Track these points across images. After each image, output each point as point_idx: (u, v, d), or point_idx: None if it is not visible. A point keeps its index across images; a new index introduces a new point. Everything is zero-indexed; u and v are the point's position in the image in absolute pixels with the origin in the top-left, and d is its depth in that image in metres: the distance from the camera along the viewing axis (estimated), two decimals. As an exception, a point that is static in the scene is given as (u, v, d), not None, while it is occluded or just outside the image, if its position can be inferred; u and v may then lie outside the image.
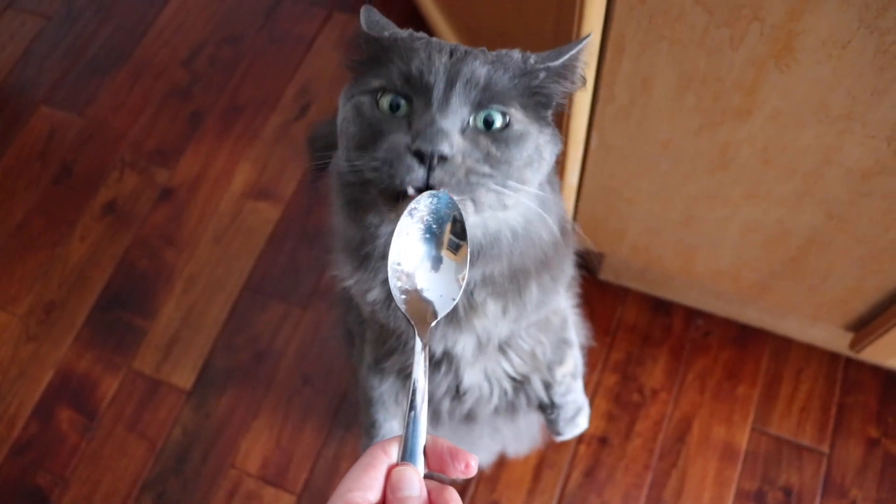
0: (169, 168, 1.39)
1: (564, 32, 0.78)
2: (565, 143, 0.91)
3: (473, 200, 0.57)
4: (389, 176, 0.55)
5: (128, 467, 1.17)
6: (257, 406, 1.20)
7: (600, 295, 1.24)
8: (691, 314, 1.23)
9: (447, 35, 1.31)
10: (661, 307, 1.24)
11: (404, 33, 0.62)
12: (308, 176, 1.36)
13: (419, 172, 0.54)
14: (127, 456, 1.17)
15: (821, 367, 1.18)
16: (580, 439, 1.16)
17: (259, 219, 1.33)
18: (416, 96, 0.57)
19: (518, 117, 0.59)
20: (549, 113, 0.64)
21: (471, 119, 0.57)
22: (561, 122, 0.90)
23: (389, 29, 0.63)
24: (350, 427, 1.18)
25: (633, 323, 1.23)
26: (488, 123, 0.58)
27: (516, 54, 0.61)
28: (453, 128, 0.55)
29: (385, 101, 0.58)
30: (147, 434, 1.19)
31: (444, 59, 0.58)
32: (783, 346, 1.20)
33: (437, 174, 0.54)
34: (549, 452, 1.15)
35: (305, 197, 1.34)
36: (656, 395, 1.18)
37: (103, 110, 1.46)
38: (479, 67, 0.57)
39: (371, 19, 0.64)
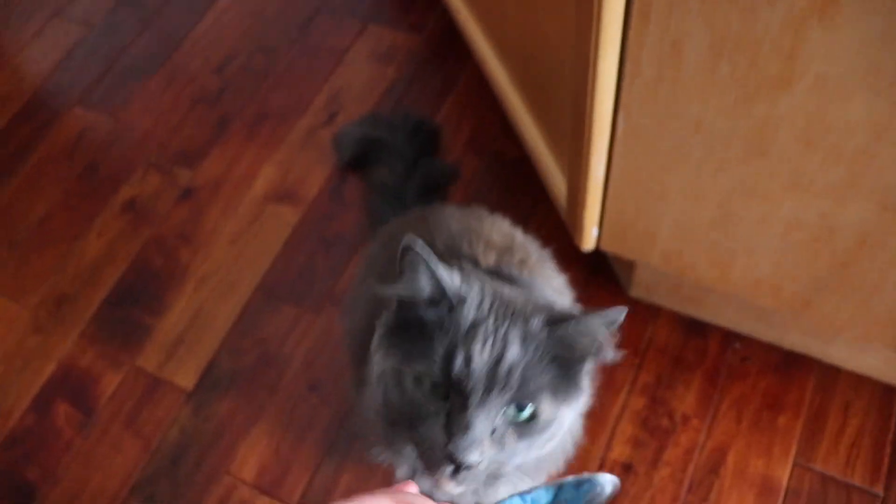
0: (192, 169, 1.37)
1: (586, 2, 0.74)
2: (589, 130, 0.86)
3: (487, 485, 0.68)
4: (423, 454, 0.63)
5: (120, 466, 1.11)
6: (259, 412, 1.13)
7: (630, 313, 1.15)
8: (728, 337, 1.14)
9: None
10: (695, 328, 1.14)
11: (445, 301, 0.62)
12: (334, 180, 1.33)
13: (448, 468, 0.61)
14: (121, 454, 1.12)
15: (872, 400, 1.07)
16: (602, 465, 1.06)
17: (278, 221, 1.29)
18: (454, 393, 0.60)
19: (546, 407, 0.62)
20: (583, 371, 0.65)
21: (501, 412, 0.61)
22: (582, 137, 0.85)
23: (431, 277, 0.62)
24: (355, 440, 1.10)
25: (664, 344, 1.14)
26: (518, 410, 0.61)
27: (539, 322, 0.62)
28: (485, 433, 0.60)
29: (426, 383, 0.62)
30: (143, 433, 1.13)
31: (486, 355, 0.60)
32: (830, 375, 1.10)
33: (462, 475, 0.61)
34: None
35: (328, 201, 1.30)
36: (688, 422, 1.08)
37: (134, 113, 1.46)
38: (515, 362, 0.60)
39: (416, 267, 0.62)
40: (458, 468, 0.60)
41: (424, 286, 0.62)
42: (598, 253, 1.17)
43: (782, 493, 1.03)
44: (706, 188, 0.84)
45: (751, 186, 0.81)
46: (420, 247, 0.60)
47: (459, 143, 1.35)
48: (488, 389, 0.59)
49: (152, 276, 1.27)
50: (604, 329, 0.61)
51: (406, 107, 1.40)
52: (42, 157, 1.42)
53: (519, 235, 0.91)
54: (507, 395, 0.60)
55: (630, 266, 1.12)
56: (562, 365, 0.62)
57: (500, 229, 0.90)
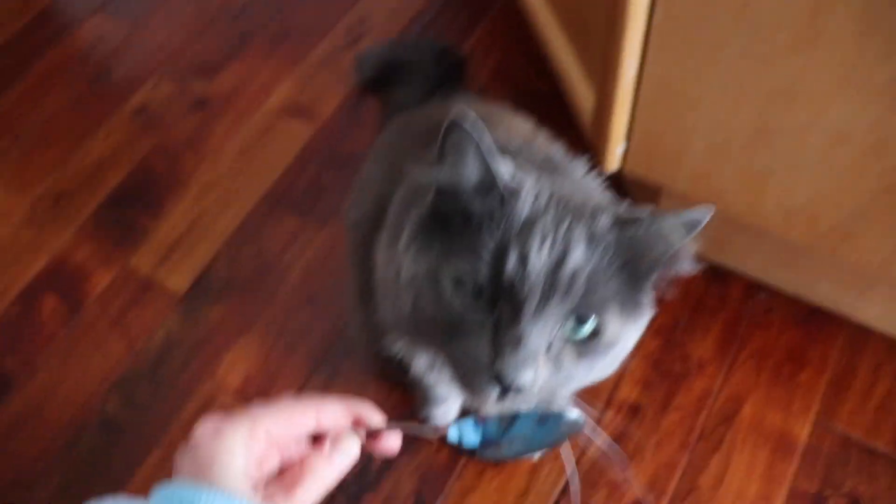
0: (207, 80, 1.32)
1: None
2: (623, 22, 0.80)
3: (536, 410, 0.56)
4: (461, 377, 0.54)
5: (101, 364, 1.06)
6: (251, 320, 1.08)
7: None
8: (752, 287, 1.06)
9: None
10: (718, 275, 1.08)
11: (495, 192, 0.53)
12: (352, 99, 1.27)
13: (493, 393, 0.53)
14: (102, 352, 1.07)
15: (906, 364, 1.00)
16: (608, 404, 0.99)
17: (290, 136, 1.24)
18: (504, 300, 0.51)
19: (612, 322, 0.54)
20: (651, 283, 0.57)
21: (560, 325, 0.53)
22: (615, 32, 0.78)
23: (483, 164, 0.52)
24: (349, 354, 1.04)
25: (685, 287, 1.06)
26: (579, 324, 0.53)
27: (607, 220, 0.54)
28: (540, 349, 0.52)
29: (469, 288, 0.53)
30: (129, 333, 1.08)
31: (545, 255, 0.51)
32: (860, 335, 1.02)
33: (510, 398, 0.53)
34: (570, 416, 0.99)
35: (344, 120, 1.25)
36: (703, 368, 1.01)
37: (155, 24, 1.42)
38: (580, 267, 0.51)
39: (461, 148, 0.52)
40: (506, 390, 0.52)
41: (471, 172, 0.53)
42: (620, 189, 1.11)
43: (800, 450, 0.96)
44: (746, 89, 0.78)
45: (795, 86, 0.74)
46: (471, 124, 0.51)
47: (485, 74, 1.29)
48: (546, 296, 0.51)
49: (155, 180, 1.22)
50: (683, 233, 0.52)
51: (433, 35, 1.34)
52: (57, 59, 1.38)
53: (543, 136, 0.84)
54: (568, 305, 0.51)
55: (653, 199, 1.05)
56: (630, 274, 0.54)
57: (524, 123, 0.84)
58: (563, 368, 0.53)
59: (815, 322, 1.03)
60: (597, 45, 0.91)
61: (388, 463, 0.98)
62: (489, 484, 0.96)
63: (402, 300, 0.58)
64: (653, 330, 1.02)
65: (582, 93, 1.00)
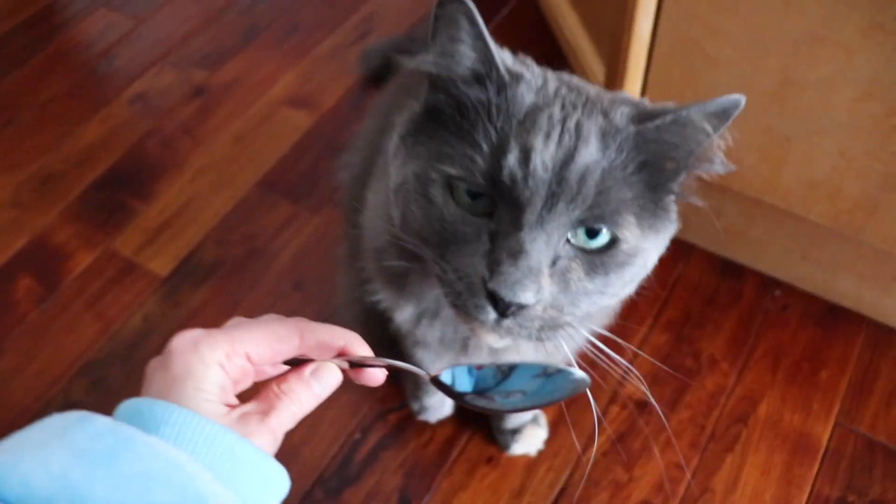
0: (210, 70, 1.30)
1: None
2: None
3: (540, 339, 0.48)
4: (455, 296, 0.47)
5: (73, 346, 0.99)
6: (236, 304, 1.02)
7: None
8: (768, 283, 1.00)
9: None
10: (731, 271, 1.02)
11: (494, 77, 0.47)
12: (355, 91, 1.24)
13: (490, 315, 0.46)
14: (75, 334, 1.00)
15: (934, 364, 0.93)
16: (613, 399, 0.92)
17: (289, 125, 1.21)
18: (503, 205, 0.45)
19: (630, 232, 0.47)
20: (672, 197, 0.50)
21: (568, 236, 0.46)
22: None
23: (478, 54, 0.47)
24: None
25: (695, 282, 1.01)
26: (590, 234, 0.46)
27: (624, 120, 0.47)
28: (543, 262, 0.45)
29: (461, 190, 0.46)
30: (105, 315, 1.02)
31: (551, 150, 0.44)
32: (882, 335, 0.96)
33: (509, 323, 0.46)
34: (571, 411, 0.92)
35: (345, 111, 1.22)
36: (715, 365, 0.94)
37: (162, 17, 1.40)
38: (592, 165, 0.45)
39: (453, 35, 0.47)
40: (504, 312, 0.45)
41: (466, 54, 0.47)
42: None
43: (821, 453, 0.88)
44: (768, 40, 0.73)
45: (820, 32, 0.70)
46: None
47: (492, 72, 1.26)
48: (552, 200, 0.44)
49: (147, 164, 1.18)
50: (709, 127, 0.46)
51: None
52: (60, 47, 1.36)
53: None
54: (578, 211, 0.45)
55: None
56: (651, 177, 0.47)
57: None
58: (572, 286, 0.46)
59: (834, 320, 0.97)
60: (609, 14, 0.88)
61: (372, 456, 0.90)
62: (481, 482, 0.89)
63: (391, 218, 0.52)
64: (662, 324, 0.96)
65: (593, 70, 0.97)
